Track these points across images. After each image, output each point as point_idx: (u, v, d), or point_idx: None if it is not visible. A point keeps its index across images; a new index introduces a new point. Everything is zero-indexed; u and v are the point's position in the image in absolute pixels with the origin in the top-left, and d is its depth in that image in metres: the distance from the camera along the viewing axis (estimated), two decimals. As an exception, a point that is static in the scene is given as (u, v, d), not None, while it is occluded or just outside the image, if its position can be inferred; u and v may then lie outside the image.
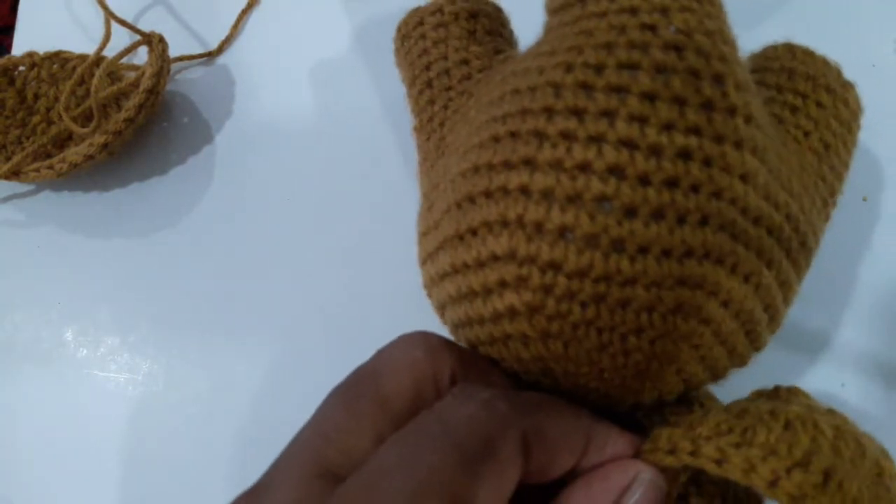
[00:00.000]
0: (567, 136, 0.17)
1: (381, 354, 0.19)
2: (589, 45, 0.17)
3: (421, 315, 0.31)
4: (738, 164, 0.17)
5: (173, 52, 0.37)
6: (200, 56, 0.39)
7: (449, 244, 0.19)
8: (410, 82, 0.25)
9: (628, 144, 0.16)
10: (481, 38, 0.24)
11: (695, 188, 0.16)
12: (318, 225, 0.34)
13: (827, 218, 0.22)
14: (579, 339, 0.17)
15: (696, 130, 0.16)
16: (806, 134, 0.22)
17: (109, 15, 0.38)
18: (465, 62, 0.24)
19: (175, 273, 0.35)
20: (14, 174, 0.35)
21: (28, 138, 0.39)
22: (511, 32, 0.26)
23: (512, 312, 0.17)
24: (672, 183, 0.16)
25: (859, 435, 0.16)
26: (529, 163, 0.17)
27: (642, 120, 0.16)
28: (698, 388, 0.19)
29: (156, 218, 0.36)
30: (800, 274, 0.20)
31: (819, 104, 0.23)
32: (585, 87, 0.17)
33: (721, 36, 0.17)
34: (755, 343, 0.19)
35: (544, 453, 0.16)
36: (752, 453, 0.15)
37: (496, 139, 0.18)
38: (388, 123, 0.35)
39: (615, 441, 0.18)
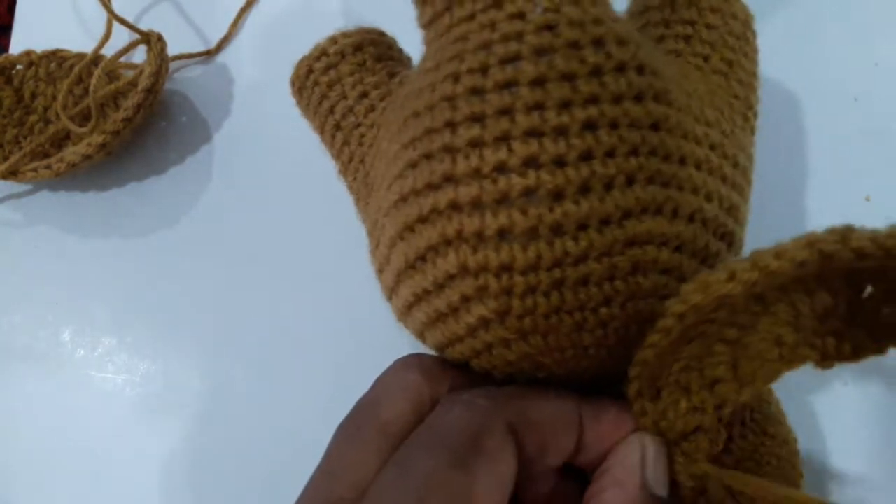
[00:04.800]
0: (475, 143, 0.17)
1: (379, 383, 0.20)
2: (467, 50, 0.18)
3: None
4: (643, 115, 0.17)
5: (171, 50, 0.37)
6: (199, 55, 0.39)
7: (404, 275, 0.19)
8: (320, 129, 0.25)
9: (534, 133, 0.16)
10: (372, 67, 0.24)
11: (610, 153, 0.16)
12: (317, 224, 0.34)
13: (752, 131, 0.23)
14: (555, 327, 0.17)
15: (593, 99, 0.17)
16: (705, 58, 0.22)
17: (111, 14, 0.37)
18: (365, 95, 0.24)
19: (173, 273, 0.34)
20: (11, 174, 0.35)
21: (25, 138, 0.38)
22: (400, 51, 0.26)
23: (484, 322, 0.18)
24: (587, 156, 0.16)
25: None
26: (450, 179, 0.17)
27: (539, 106, 0.17)
28: None
29: (154, 218, 0.36)
30: (743, 194, 0.20)
31: (709, 26, 0.23)
32: (476, 91, 0.17)
33: (588, 0, 0.18)
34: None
35: (535, 435, 0.17)
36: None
37: (413, 165, 0.18)
38: (388, 123, 0.35)
39: (608, 410, 0.18)
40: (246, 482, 0.31)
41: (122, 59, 0.38)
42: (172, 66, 0.39)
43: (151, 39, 0.35)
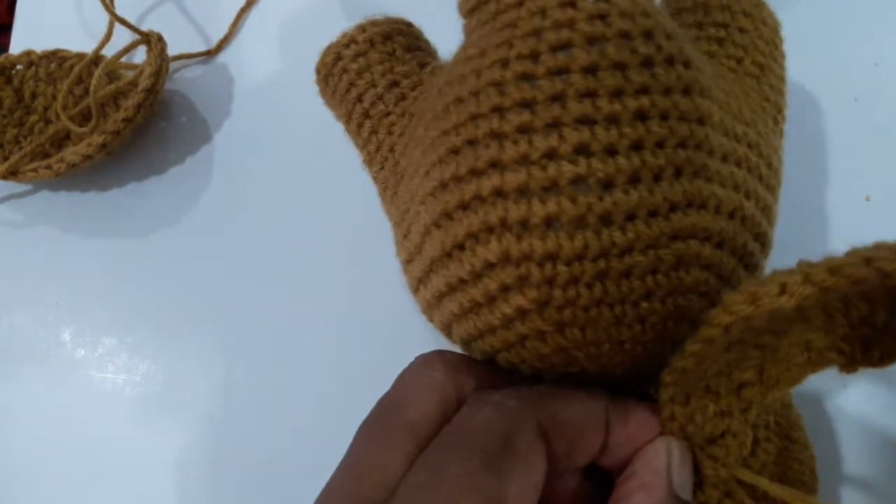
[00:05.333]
0: (525, 129, 0.17)
1: (402, 382, 0.19)
2: (517, 36, 0.18)
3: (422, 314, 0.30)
4: (691, 109, 0.17)
5: (171, 50, 0.37)
6: (199, 55, 0.39)
7: (438, 265, 0.19)
8: (346, 118, 0.25)
9: (586, 121, 0.16)
10: (402, 57, 0.24)
11: (660, 144, 0.16)
12: (317, 224, 0.34)
13: (781, 135, 0.23)
14: (594, 320, 0.17)
15: (644, 89, 0.17)
16: (738, 61, 0.23)
17: (112, 15, 0.37)
18: (395, 84, 0.23)
19: (173, 273, 0.34)
20: (11, 174, 0.35)
21: (25, 138, 0.38)
22: (428, 43, 0.26)
23: (522, 313, 0.17)
24: (638, 146, 0.16)
25: None
26: (496, 165, 0.17)
27: (591, 94, 0.16)
28: None
29: (154, 218, 0.36)
30: (775, 195, 0.20)
31: (741, 30, 0.23)
32: (527, 77, 0.17)
33: None
34: (754, 273, 0.19)
35: (564, 436, 0.17)
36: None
37: (455, 151, 0.18)
38: (388, 123, 0.35)
39: (635, 412, 0.18)
40: (246, 482, 0.31)
41: (123, 60, 0.38)
42: (172, 66, 0.39)
43: (152, 39, 0.35)
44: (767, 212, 0.19)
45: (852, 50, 0.31)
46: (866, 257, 0.14)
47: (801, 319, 0.16)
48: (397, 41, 0.24)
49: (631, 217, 0.16)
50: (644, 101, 0.16)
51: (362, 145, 0.24)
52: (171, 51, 0.37)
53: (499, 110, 0.17)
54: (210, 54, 0.39)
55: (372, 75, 0.24)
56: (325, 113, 0.36)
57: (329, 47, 0.25)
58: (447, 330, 0.20)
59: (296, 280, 0.33)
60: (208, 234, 0.35)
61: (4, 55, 0.39)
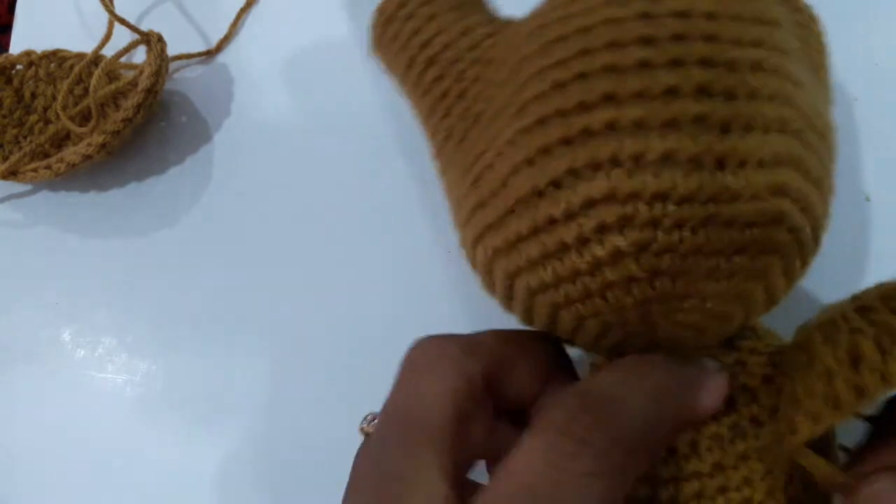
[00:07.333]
0: (646, 63, 0.17)
1: (411, 389, 0.18)
2: None
3: (422, 314, 0.30)
4: (796, 72, 0.18)
5: (171, 50, 0.37)
6: (199, 55, 0.39)
7: (524, 204, 0.18)
8: (407, 65, 0.24)
9: (708, 63, 0.17)
10: (470, 10, 0.24)
11: (772, 97, 0.17)
12: (317, 225, 0.34)
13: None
14: (688, 270, 0.17)
15: (756, 42, 0.17)
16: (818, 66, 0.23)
17: (112, 15, 0.37)
18: (467, 31, 0.23)
19: (173, 273, 0.34)
20: (11, 174, 0.35)
21: (25, 138, 0.38)
22: (492, 6, 0.26)
23: (616, 256, 0.17)
24: (753, 95, 0.17)
25: None
26: (612, 98, 0.17)
27: (713, 38, 0.17)
28: (767, 310, 0.20)
29: (154, 218, 0.36)
30: (832, 191, 0.20)
31: (814, 34, 0.24)
32: (646, 16, 0.17)
33: None
34: (805, 259, 0.19)
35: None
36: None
37: (560, 85, 0.18)
38: (388, 122, 0.35)
39: (709, 385, 0.18)
40: (246, 482, 0.31)
41: (123, 60, 0.38)
42: (172, 66, 0.39)
43: (151, 39, 0.35)
44: (824, 205, 0.19)
45: (852, 50, 0.31)
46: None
47: None
48: None
49: (742, 163, 0.16)
50: (760, 52, 0.17)
51: (423, 93, 0.24)
52: (171, 51, 0.37)
53: (615, 45, 0.17)
54: (210, 54, 0.39)
55: (439, 22, 0.23)
56: (325, 112, 0.36)
57: None
58: (508, 282, 0.19)
59: (296, 280, 0.33)
60: (208, 234, 0.35)
61: (4, 55, 0.39)
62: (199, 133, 0.37)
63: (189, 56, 0.39)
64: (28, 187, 0.38)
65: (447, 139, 0.22)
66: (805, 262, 0.19)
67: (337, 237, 0.33)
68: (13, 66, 0.39)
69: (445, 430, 0.17)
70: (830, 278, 0.27)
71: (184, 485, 0.31)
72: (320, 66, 0.37)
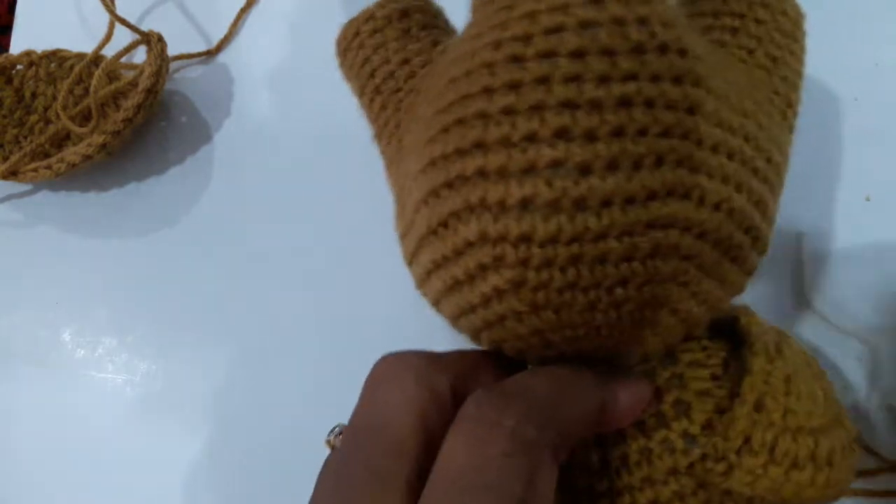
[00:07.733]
0: (509, 111, 0.17)
1: (375, 400, 0.18)
2: (512, 18, 0.18)
3: (419, 314, 0.30)
4: (680, 98, 0.17)
5: (171, 50, 0.37)
6: (199, 55, 0.39)
7: (426, 241, 0.19)
8: (360, 92, 0.25)
9: (568, 105, 0.16)
10: (417, 35, 0.25)
11: (642, 132, 0.16)
12: (316, 224, 0.34)
13: (790, 129, 0.23)
14: (568, 303, 0.17)
15: (631, 76, 0.17)
16: (750, 52, 0.23)
17: (112, 15, 0.37)
18: (406, 61, 0.24)
19: (173, 273, 0.34)
20: (12, 174, 0.35)
21: (26, 138, 0.38)
22: (446, 21, 0.26)
23: (498, 293, 0.17)
24: (618, 132, 0.16)
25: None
26: (480, 145, 0.17)
27: (577, 79, 0.16)
28: (701, 325, 0.20)
29: (154, 218, 0.36)
30: (774, 190, 0.20)
31: (757, 21, 0.23)
32: (516, 59, 0.17)
33: None
34: (744, 266, 0.19)
35: (569, 443, 0.17)
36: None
37: (446, 130, 0.18)
38: (388, 123, 0.35)
39: (624, 386, 0.18)
40: (246, 481, 0.31)
41: (123, 60, 0.38)
42: (172, 66, 0.39)
43: (152, 40, 0.35)
44: (762, 206, 0.19)
45: (852, 50, 0.31)
46: None
47: None
48: (414, 18, 0.25)
49: (606, 203, 0.16)
50: (630, 87, 0.16)
51: (373, 120, 0.25)
52: (171, 51, 0.37)
53: (488, 91, 0.17)
54: (210, 54, 0.39)
55: (386, 52, 0.24)
56: (325, 112, 0.36)
57: (350, 22, 0.26)
58: (436, 306, 0.21)
59: (296, 279, 0.33)
60: (208, 234, 0.35)
61: (4, 55, 0.39)
62: (199, 133, 0.37)
63: (189, 56, 0.39)
64: (28, 187, 0.38)
65: (389, 165, 0.24)
66: (725, 280, 0.19)
67: (337, 236, 0.33)
68: (13, 66, 0.39)
69: (409, 439, 0.17)
70: (831, 278, 0.27)
71: (183, 484, 0.31)
72: (320, 67, 0.37)
